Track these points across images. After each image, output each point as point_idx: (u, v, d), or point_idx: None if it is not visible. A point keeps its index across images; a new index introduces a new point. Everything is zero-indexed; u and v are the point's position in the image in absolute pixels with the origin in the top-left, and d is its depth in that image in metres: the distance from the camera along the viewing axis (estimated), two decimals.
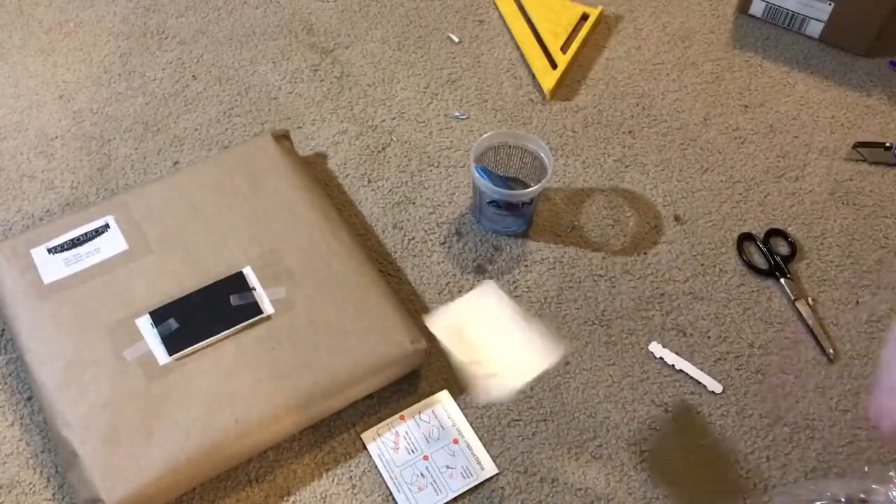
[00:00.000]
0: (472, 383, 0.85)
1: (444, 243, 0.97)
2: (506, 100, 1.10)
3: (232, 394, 0.79)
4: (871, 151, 1.05)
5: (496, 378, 0.81)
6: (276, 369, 0.81)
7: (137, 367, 0.80)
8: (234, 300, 0.84)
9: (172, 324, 0.82)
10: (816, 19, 1.14)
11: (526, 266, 0.95)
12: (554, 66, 1.12)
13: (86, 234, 0.88)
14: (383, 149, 1.04)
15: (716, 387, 0.87)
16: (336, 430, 0.84)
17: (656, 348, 0.83)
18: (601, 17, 1.19)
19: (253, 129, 1.06)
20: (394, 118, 1.07)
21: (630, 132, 1.07)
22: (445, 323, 0.82)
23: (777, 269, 0.95)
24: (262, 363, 0.81)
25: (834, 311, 0.93)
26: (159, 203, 0.90)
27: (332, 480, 0.81)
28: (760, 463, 0.83)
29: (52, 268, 0.85)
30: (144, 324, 0.82)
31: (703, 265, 0.96)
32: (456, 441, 0.83)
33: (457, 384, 0.86)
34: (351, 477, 0.81)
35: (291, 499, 0.80)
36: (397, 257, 0.95)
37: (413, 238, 0.97)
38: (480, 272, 0.95)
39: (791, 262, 0.96)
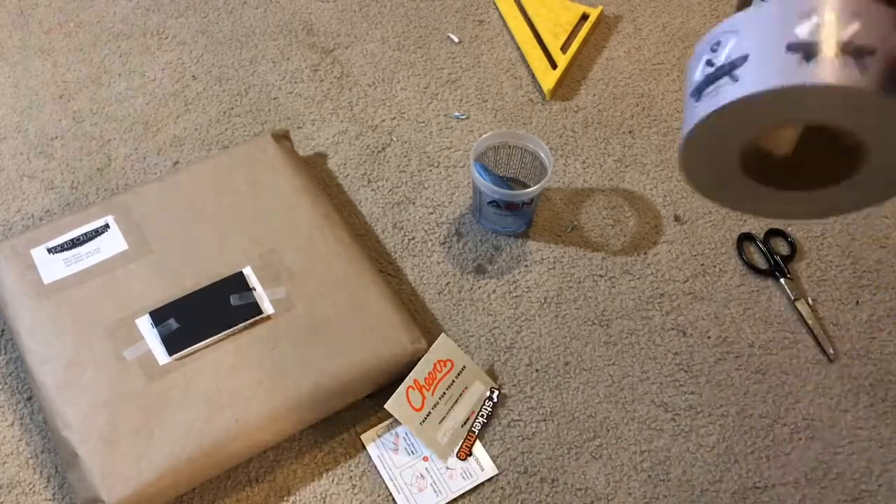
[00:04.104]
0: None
1: (444, 243, 0.97)
2: (506, 100, 1.10)
3: (232, 394, 0.79)
4: None
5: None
6: (276, 369, 0.81)
7: (137, 367, 0.80)
8: (234, 300, 0.84)
9: (172, 324, 0.82)
10: None
11: (526, 266, 0.95)
12: (554, 66, 1.12)
13: (86, 234, 0.88)
14: (383, 149, 1.04)
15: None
16: (336, 430, 0.84)
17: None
18: (601, 17, 1.19)
19: (253, 129, 1.06)
20: (394, 118, 1.07)
21: (630, 132, 1.07)
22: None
23: (777, 269, 0.95)
24: (262, 363, 0.81)
25: (834, 311, 0.93)
26: (159, 203, 0.90)
27: (332, 480, 0.81)
28: (760, 463, 0.83)
29: (52, 268, 0.85)
30: (144, 324, 0.82)
31: (703, 265, 0.96)
32: None
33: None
34: (351, 477, 0.81)
35: (291, 499, 0.80)
36: (397, 257, 0.95)
37: (413, 238, 0.97)
38: (480, 272, 0.95)
39: (791, 262, 0.96)
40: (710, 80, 0.54)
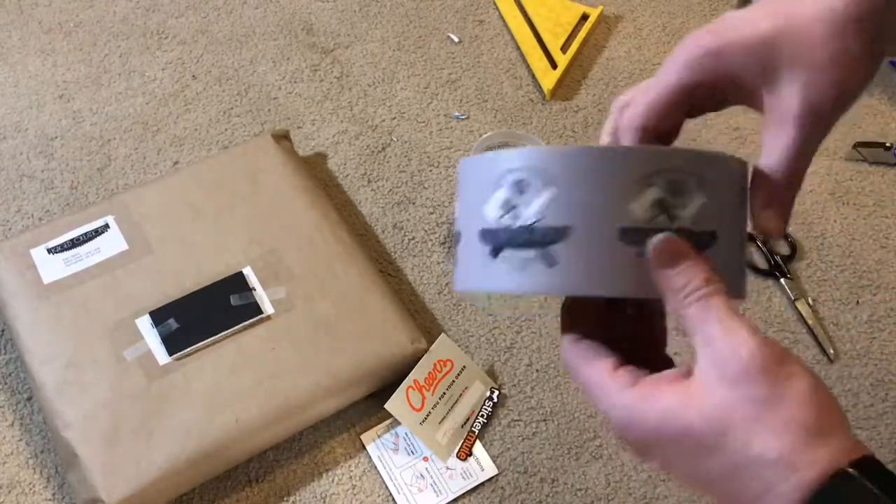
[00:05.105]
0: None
1: (444, 243, 0.97)
2: (506, 100, 1.10)
3: (232, 394, 0.79)
4: (871, 151, 1.05)
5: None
6: (276, 369, 0.81)
7: (137, 367, 0.80)
8: (234, 300, 0.84)
9: (172, 324, 0.82)
10: None
11: None
12: (554, 66, 1.12)
13: (86, 234, 0.88)
14: (383, 149, 1.04)
15: None
16: (336, 430, 0.84)
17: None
18: (601, 17, 1.19)
19: (253, 129, 1.05)
20: (394, 118, 1.07)
21: None
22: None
23: (777, 269, 0.95)
24: (262, 363, 0.81)
25: (834, 311, 0.93)
26: (159, 203, 0.90)
27: (332, 480, 0.81)
28: None
29: (52, 268, 0.85)
30: (144, 324, 0.82)
31: None
32: None
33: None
34: (351, 477, 0.81)
35: (291, 499, 0.80)
36: (397, 257, 0.95)
37: (413, 238, 0.97)
38: None
39: (791, 262, 0.96)
40: (514, 241, 0.41)
